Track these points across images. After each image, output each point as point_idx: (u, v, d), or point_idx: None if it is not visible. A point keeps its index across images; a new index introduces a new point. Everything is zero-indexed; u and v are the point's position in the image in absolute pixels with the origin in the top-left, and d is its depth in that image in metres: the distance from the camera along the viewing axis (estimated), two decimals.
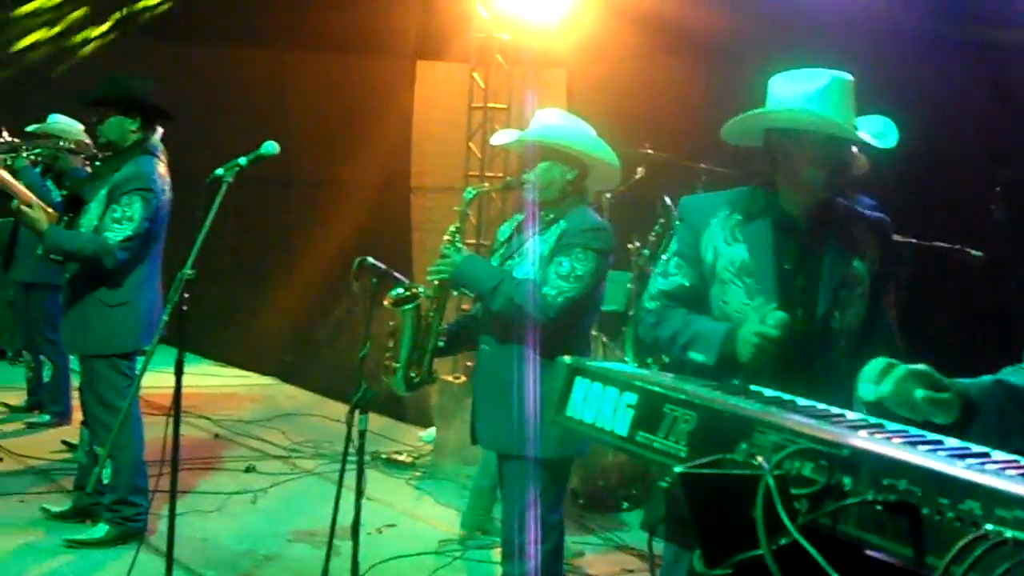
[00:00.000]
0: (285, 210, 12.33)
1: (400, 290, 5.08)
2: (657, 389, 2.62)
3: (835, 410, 2.67)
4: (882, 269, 3.89)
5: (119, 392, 6.26)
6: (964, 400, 2.79)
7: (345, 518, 5.30)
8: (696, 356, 3.75)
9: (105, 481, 6.29)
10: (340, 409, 9.77)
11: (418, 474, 8.38)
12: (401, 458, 8.62)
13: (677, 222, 4.10)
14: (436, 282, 5.04)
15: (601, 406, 2.72)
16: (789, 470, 2.23)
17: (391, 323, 5.07)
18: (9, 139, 8.99)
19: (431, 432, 9.02)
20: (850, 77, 3.77)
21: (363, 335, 5.27)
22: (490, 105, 10.37)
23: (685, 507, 2.27)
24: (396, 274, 5.36)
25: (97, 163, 7.02)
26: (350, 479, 5.27)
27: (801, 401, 2.75)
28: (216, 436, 9.22)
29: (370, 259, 5.33)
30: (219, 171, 5.17)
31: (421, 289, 5.09)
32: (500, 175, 10.36)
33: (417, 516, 7.48)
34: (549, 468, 4.90)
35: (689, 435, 2.48)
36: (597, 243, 4.85)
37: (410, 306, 5.02)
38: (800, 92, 3.71)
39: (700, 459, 2.36)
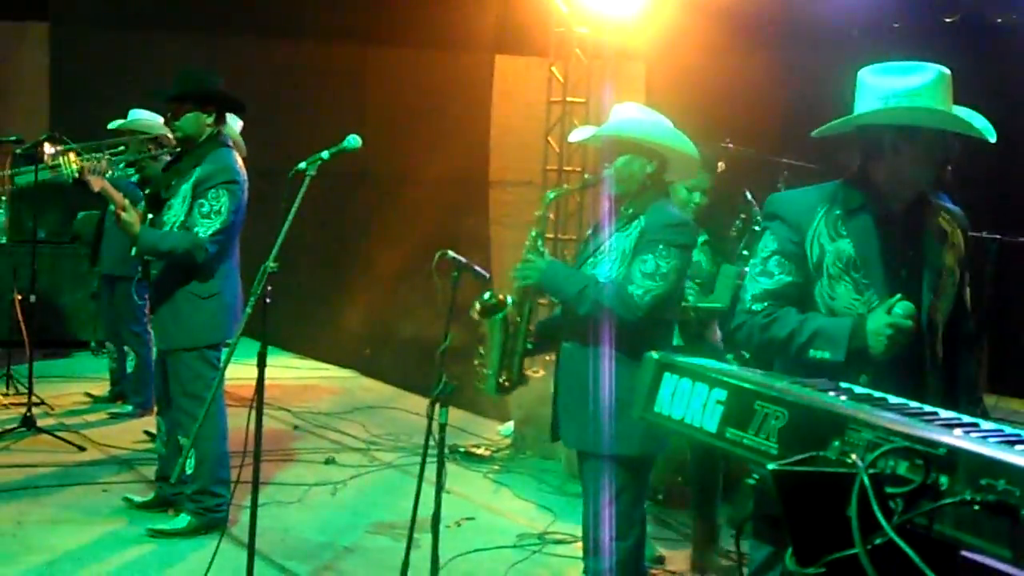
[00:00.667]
0: (365, 204, 12.40)
1: (487, 297, 5.07)
2: (747, 385, 2.59)
3: (927, 408, 2.63)
4: (966, 260, 3.98)
5: (206, 383, 6.31)
6: None
7: (425, 511, 5.31)
8: (820, 354, 3.75)
9: (188, 471, 6.34)
10: (418, 402, 9.86)
11: (496, 468, 8.39)
12: (480, 451, 8.64)
13: (771, 220, 4.04)
14: (521, 287, 5.03)
15: (690, 402, 2.70)
16: (884, 468, 2.20)
17: (480, 330, 5.08)
18: (63, 146, 9.12)
19: (509, 426, 9.03)
20: (948, 71, 3.75)
21: (443, 329, 5.27)
22: (569, 99, 10.37)
23: (776, 505, 2.24)
24: (477, 267, 5.36)
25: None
26: (430, 472, 5.28)
27: (892, 399, 2.71)
28: (296, 428, 9.27)
29: (451, 252, 5.33)
30: (302, 165, 5.20)
31: (508, 297, 5.08)
32: (578, 169, 10.36)
33: (496, 510, 7.48)
34: (630, 465, 4.88)
35: (780, 432, 2.45)
36: (680, 239, 4.82)
37: (498, 316, 5.03)
38: (907, 87, 3.69)
39: (792, 456, 2.33)
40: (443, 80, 12.71)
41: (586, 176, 5.10)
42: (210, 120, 6.39)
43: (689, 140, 4.99)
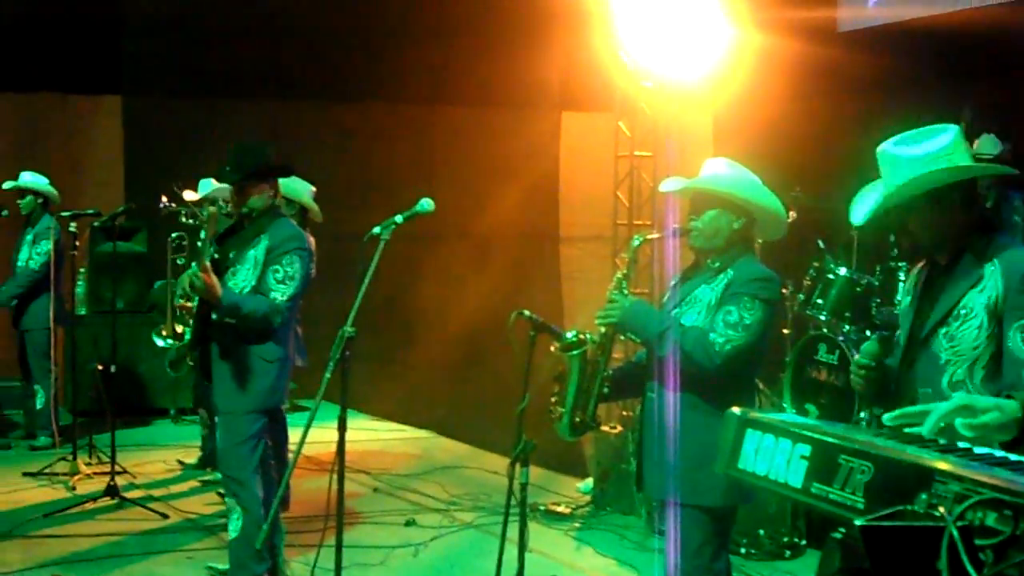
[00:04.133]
0: (435, 264, 12.47)
1: (570, 335, 5.10)
2: (831, 440, 2.59)
3: (1013, 457, 2.61)
4: (1006, 303, 3.87)
5: (254, 447, 6.35)
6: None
7: (508, 571, 5.31)
8: None
9: (234, 534, 6.34)
10: (496, 461, 9.86)
11: (577, 525, 8.36)
12: (559, 509, 8.61)
13: None
14: (602, 328, 5.05)
15: (774, 458, 2.70)
16: (972, 520, 2.19)
17: (558, 368, 5.09)
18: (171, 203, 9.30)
19: (588, 483, 9.01)
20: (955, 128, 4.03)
21: (521, 388, 5.28)
22: (636, 153, 10.37)
23: (864, 559, 2.24)
24: (553, 326, 5.37)
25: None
26: (511, 531, 5.28)
27: (978, 449, 2.69)
28: (375, 490, 9.30)
29: (527, 311, 5.35)
30: (376, 229, 5.25)
31: (588, 335, 5.09)
32: (648, 223, 10.35)
33: (578, 567, 7.46)
34: (714, 516, 4.87)
35: (866, 486, 2.45)
36: (765, 293, 4.84)
37: (577, 352, 5.04)
38: (926, 152, 3.97)
39: (879, 510, 2.33)
40: (510, 138, 12.78)
41: (674, 226, 5.09)
42: (272, 191, 6.47)
43: (777, 199, 5.00)
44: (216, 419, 6.64)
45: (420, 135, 13.16)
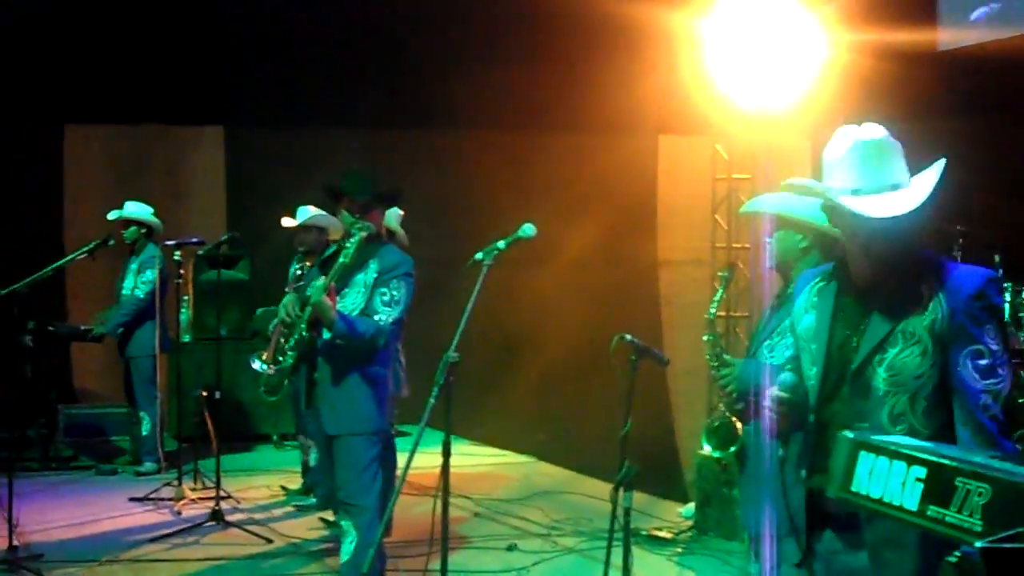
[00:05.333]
0: (534, 289, 12.47)
1: (716, 424, 5.14)
2: (947, 462, 2.56)
3: None
4: (951, 328, 3.53)
5: (374, 471, 6.39)
6: None
7: None
8: None
9: (345, 557, 6.37)
10: (597, 486, 9.85)
11: (679, 550, 8.32)
12: (662, 534, 8.57)
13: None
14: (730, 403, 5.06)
15: (888, 481, 2.68)
16: None
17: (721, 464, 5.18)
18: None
19: (690, 507, 8.96)
20: (878, 135, 3.72)
21: (624, 413, 5.27)
22: (734, 176, 10.34)
23: None
24: (656, 351, 5.37)
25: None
26: (615, 557, 5.27)
27: None
28: (476, 515, 9.32)
29: (628, 336, 5.35)
30: (479, 255, 5.29)
31: (737, 423, 5.11)
32: (747, 246, 10.30)
33: None
34: None
35: (984, 508, 2.42)
36: None
37: (735, 448, 5.08)
38: (827, 161, 3.76)
39: (998, 533, 2.29)
40: (607, 162, 12.76)
41: (720, 272, 5.12)
42: (382, 217, 6.54)
43: None
44: (310, 442, 6.67)
45: (517, 161, 13.19)
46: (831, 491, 2.89)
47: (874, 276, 3.69)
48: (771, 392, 3.74)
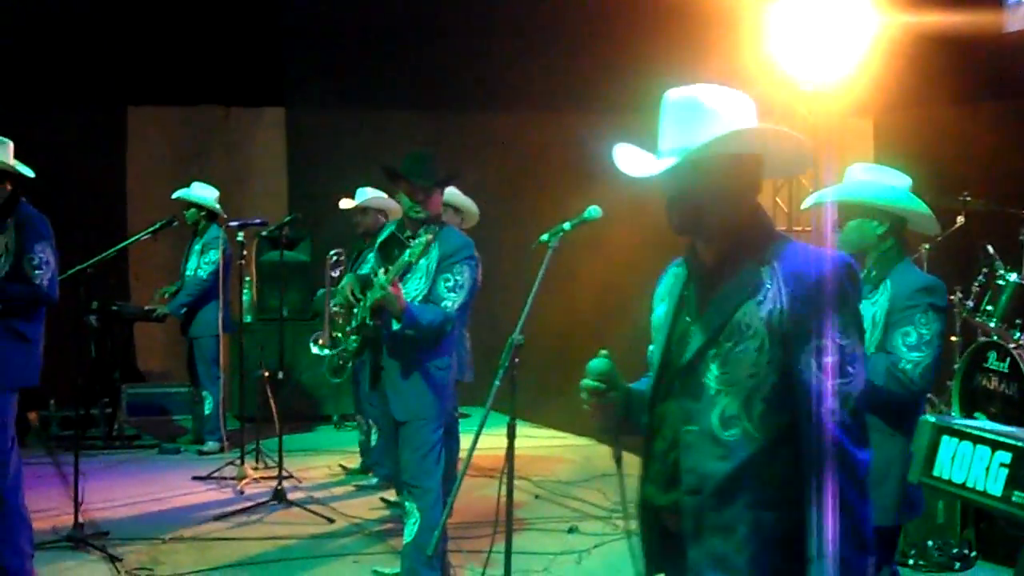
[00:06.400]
0: (596, 271, 12.45)
1: None
2: None
3: None
4: (791, 319, 3.09)
5: (436, 454, 6.43)
6: None
7: None
8: None
9: (408, 538, 6.39)
10: None
11: None
12: None
13: None
14: None
15: (972, 466, 2.66)
16: None
17: None
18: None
19: None
20: (690, 94, 3.30)
21: None
22: None
23: None
24: None
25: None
26: None
27: None
28: (537, 497, 9.32)
29: None
30: (544, 237, 5.27)
31: None
32: (808, 229, 10.26)
33: None
34: (884, 536, 4.78)
35: None
36: (935, 301, 4.77)
37: None
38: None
39: None
40: None
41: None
42: (442, 200, 6.59)
43: (916, 198, 4.93)
44: (369, 422, 6.67)
45: (577, 143, 13.17)
46: (912, 476, 2.87)
47: (713, 258, 3.28)
48: (583, 382, 3.38)
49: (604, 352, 3.42)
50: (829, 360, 3.03)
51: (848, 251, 4.90)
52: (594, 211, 5.37)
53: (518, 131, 13.48)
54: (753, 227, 3.25)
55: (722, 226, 3.22)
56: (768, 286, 3.12)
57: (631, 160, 3.40)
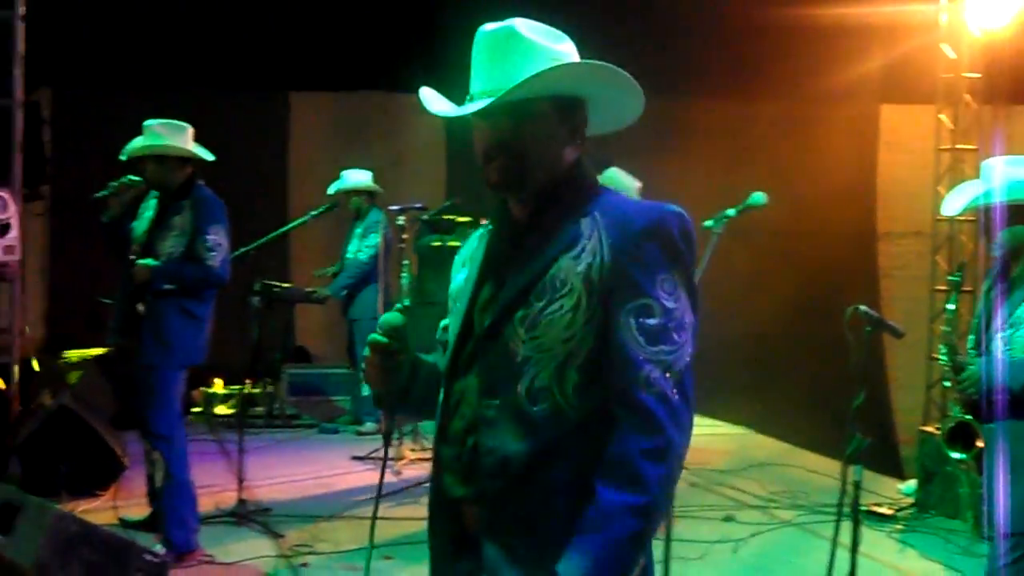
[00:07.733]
0: (749, 259, 12.38)
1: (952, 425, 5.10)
2: None
3: None
4: (612, 274, 2.71)
5: None
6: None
7: (837, 571, 5.25)
8: None
9: None
10: (813, 459, 9.82)
11: (900, 527, 8.17)
12: (882, 510, 8.43)
13: None
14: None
15: None
16: None
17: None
18: None
19: (911, 484, 8.80)
20: (517, 24, 2.92)
21: (857, 385, 5.19)
22: (958, 146, 10.09)
23: None
24: (892, 323, 5.28)
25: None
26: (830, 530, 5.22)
27: None
28: (693, 485, 9.29)
29: (863, 308, 5.26)
30: (708, 223, 5.28)
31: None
32: (971, 219, 10.05)
33: (903, 570, 7.30)
34: None
35: None
36: None
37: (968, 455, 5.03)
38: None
39: None
40: (827, 132, 12.60)
41: (950, 276, 4.92)
42: None
43: None
44: None
45: (737, 131, 13.09)
46: None
47: (526, 210, 2.89)
48: (370, 336, 2.92)
49: (399, 307, 3.15)
50: (651, 323, 2.68)
51: (1000, 253, 4.79)
52: (759, 197, 5.37)
53: (677, 118, 13.40)
54: (573, 179, 2.87)
55: (544, 180, 2.84)
56: (587, 238, 2.74)
57: (438, 100, 3.02)
